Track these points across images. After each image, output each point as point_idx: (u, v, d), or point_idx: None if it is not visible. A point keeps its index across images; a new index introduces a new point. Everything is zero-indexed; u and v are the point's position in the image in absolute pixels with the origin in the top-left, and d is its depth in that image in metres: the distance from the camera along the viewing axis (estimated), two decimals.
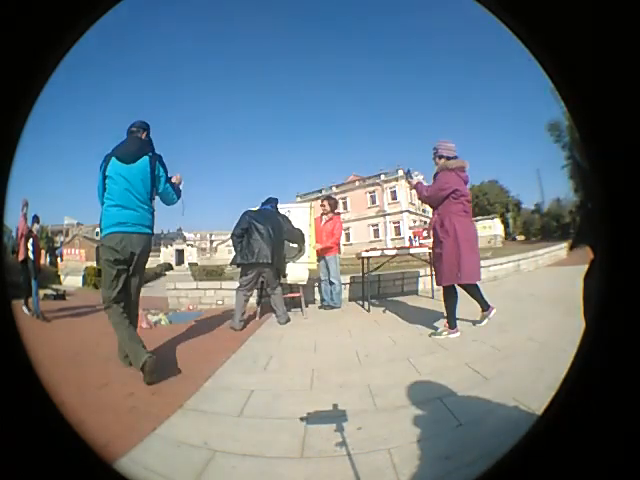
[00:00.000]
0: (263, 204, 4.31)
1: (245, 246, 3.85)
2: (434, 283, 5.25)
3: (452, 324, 2.88)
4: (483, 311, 3.07)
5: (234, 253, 4.00)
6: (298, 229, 4.34)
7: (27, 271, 4.85)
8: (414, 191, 3.28)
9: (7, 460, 0.41)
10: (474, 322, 3.11)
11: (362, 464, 1.22)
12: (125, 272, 2.35)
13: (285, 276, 4.28)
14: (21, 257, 4.74)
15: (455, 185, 2.89)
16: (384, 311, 4.37)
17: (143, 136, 2.47)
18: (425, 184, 3.20)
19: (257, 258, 3.79)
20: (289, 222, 4.26)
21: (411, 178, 3.32)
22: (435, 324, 3.39)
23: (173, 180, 2.57)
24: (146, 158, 2.35)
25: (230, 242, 4.24)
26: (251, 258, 3.80)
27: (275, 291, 4.04)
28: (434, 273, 3.15)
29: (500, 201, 40.31)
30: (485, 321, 3.03)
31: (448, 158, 2.98)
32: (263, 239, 3.84)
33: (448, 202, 2.89)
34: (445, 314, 2.96)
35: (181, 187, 2.65)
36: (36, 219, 5.01)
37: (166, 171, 2.44)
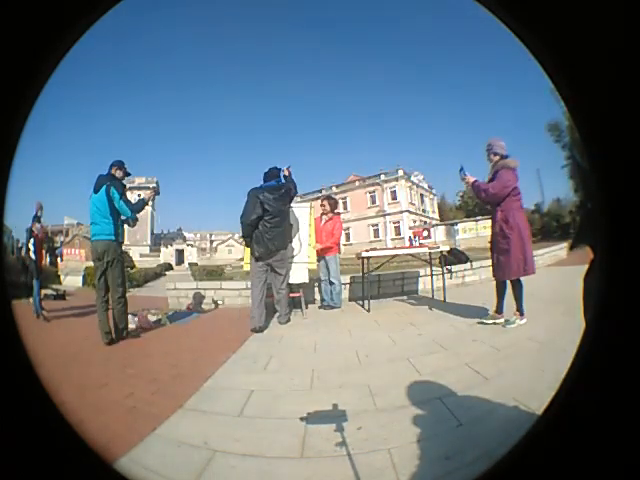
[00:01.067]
0: (266, 179, 3.88)
1: (264, 233, 3.66)
2: (434, 283, 5.29)
3: (501, 310, 3.18)
4: (518, 313, 3.07)
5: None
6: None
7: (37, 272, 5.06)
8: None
9: (7, 460, 0.41)
10: (505, 322, 3.07)
11: (362, 464, 1.22)
12: (102, 269, 3.31)
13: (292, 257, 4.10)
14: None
15: (515, 183, 3.08)
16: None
17: (113, 170, 3.45)
18: (480, 181, 3.29)
19: (278, 246, 3.69)
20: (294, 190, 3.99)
21: (465, 175, 3.37)
22: (439, 324, 3.38)
23: (143, 196, 3.67)
24: (104, 187, 3.31)
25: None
26: (273, 247, 3.68)
27: (282, 289, 3.88)
28: (496, 266, 3.19)
29: None
30: (515, 324, 3.01)
31: (502, 156, 3.13)
32: (282, 225, 3.72)
33: (509, 199, 3.07)
34: (496, 302, 3.21)
35: (150, 201, 3.79)
36: (36, 219, 5.02)
37: (119, 193, 3.32)
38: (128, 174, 3.58)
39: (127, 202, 3.38)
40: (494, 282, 3.27)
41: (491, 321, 3.13)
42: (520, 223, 3.06)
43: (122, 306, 3.39)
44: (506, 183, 3.05)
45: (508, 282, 3.14)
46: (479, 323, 3.18)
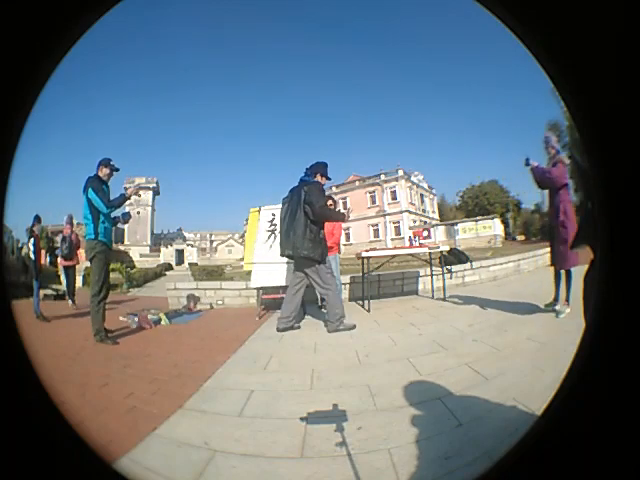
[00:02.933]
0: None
1: (281, 235, 3.61)
2: (434, 283, 5.29)
3: (558, 297, 3.41)
4: (567, 302, 3.25)
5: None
6: (320, 203, 3.43)
7: (74, 275, 6.00)
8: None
9: (7, 460, 0.41)
10: (556, 312, 3.24)
11: (362, 464, 1.22)
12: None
13: (324, 262, 3.49)
14: (75, 262, 5.91)
15: (567, 177, 3.37)
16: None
17: (99, 170, 3.44)
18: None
19: (286, 249, 3.50)
20: (315, 193, 3.44)
21: (528, 164, 3.56)
22: (438, 324, 3.39)
23: (129, 191, 3.64)
24: (86, 189, 3.36)
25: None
26: (283, 249, 3.55)
27: (323, 291, 3.46)
28: (557, 256, 3.39)
29: (500, 201, 40.33)
30: (564, 314, 3.16)
31: (557, 150, 3.45)
32: (287, 225, 3.49)
33: (565, 191, 3.32)
34: (558, 293, 3.42)
35: (135, 197, 3.89)
36: (36, 219, 5.02)
37: (96, 191, 3.31)
38: (116, 169, 3.52)
39: (103, 198, 3.33)
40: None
41: (550, 308, 3.37)
42: (572, 215, 3.28)
43: (95, 305, 3.22)
44: (564, 174, 3.32)
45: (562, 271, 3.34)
46: (546, 306, 3.43)
